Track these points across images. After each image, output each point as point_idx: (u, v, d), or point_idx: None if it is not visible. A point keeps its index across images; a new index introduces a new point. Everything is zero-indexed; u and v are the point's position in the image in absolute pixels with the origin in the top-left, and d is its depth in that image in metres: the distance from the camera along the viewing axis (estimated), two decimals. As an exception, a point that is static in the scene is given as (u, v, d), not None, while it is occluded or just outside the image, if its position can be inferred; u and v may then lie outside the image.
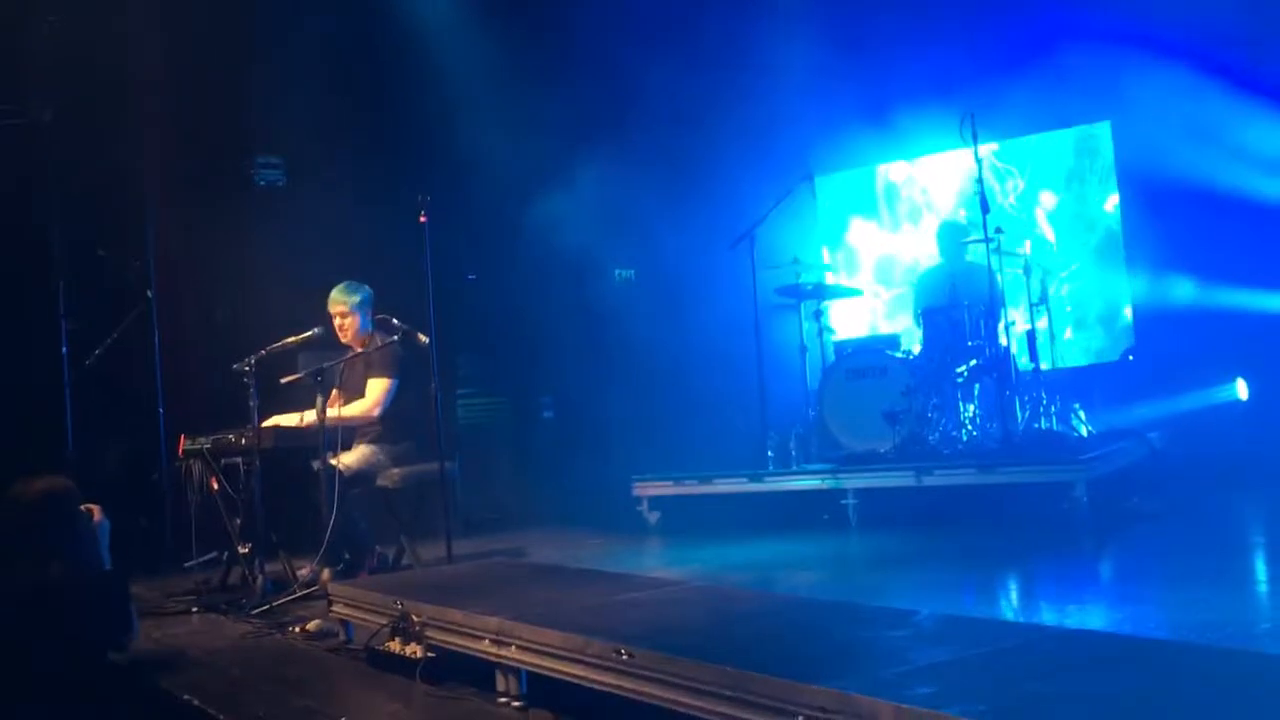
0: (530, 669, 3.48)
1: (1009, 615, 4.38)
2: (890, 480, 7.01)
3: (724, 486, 7.58)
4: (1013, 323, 7.68)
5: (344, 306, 6.35)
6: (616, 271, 9.64)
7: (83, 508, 4.09)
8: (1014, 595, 5.03)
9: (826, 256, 10.01)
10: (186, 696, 3.94)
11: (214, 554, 6.49)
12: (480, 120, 8.81)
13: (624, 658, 3.09)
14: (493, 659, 3.59)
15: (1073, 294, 8.98)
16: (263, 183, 8.72)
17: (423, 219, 5.90)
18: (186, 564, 6.56)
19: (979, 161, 7.36)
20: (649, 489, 7.82)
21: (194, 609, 5.66)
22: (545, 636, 3.40)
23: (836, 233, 10.14)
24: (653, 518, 7.75)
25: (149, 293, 7.53)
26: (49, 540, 3.83)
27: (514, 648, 3.52)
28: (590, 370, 9.13)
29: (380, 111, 8.96)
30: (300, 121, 8.39)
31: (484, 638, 3.64)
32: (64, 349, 7.36)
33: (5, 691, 3.66)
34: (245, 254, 8.28)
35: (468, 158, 8.78)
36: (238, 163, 8.62)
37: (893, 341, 8.12)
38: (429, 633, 3.92)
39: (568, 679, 3.29)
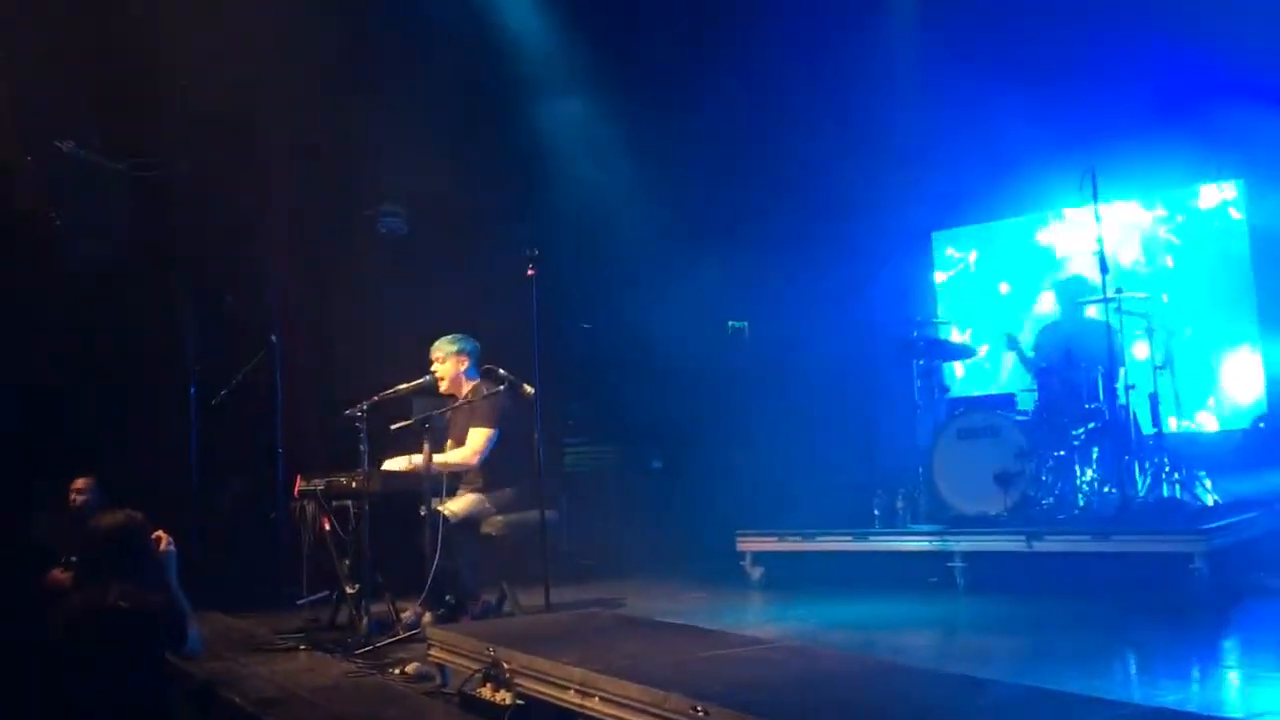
0: (610, 721, 3.57)
1: (1109, 690, 4.32)
2: (1000, 544, 6.92)
3: (828, 544, 7.57)
4: (1133, 385, 7.55)
5: (439, 354, 6.57)
6: (729, 323, 9.72)
7: (153, 536, 4.35)
8: (1118, 669, 4.96)
9: (942, 314, 9.93)
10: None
11: (325, 593, 6.65)
12: (602, 170, 9.05)
13: (700, 714, 3.17)
14: (576, 709, 3.70)
15: (1199, 356, 8.78)
16: (384, 230, 9.00)
17: (530, 272, 6.09)
18: (299, 601, 6.69)
19: (1099, 219, 7.30)
20: (753, 543, 7.83)
21: (302, 646, 5.87)
22: (626, 689, 3.49)
23: (956, 289, 10.08)
24: (755, 573, 7.75)
25: (272, 337, 7.78)
26: (115, 568, 4.12)
27: (597, 699, 3.62)
28: (700, 421, 9.22)
29: (501, 159, 9.18)
30: (423, 170, 8.61)
31: (569, 688, 3.75)
32: (192, 390, 7.72)
33: (64, 707, 3.94)
34: (366, 301, 8.55)
35: (588, 207, 9.00)
36: (361, 211, 8.91)
37: (1007, 401, 8.03)
38: (518, 680, 4.04)
39: (647, 733, 3.38)
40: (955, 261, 10.09)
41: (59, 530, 6.65)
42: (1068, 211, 9.22)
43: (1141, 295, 7.87)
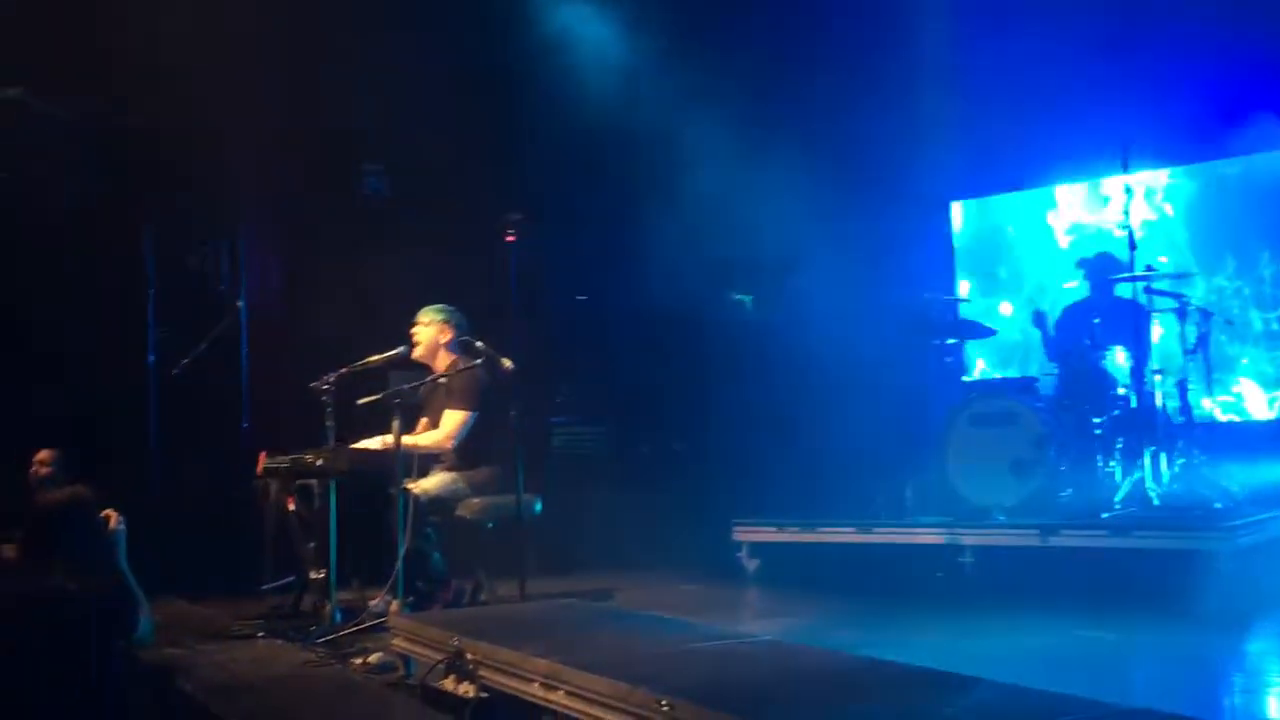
0: (576, 715, 3.60)
1: (1119, 697, 4.35)
2: (1013, 538, 6.96)
3: (830, 535, 7.60)
4: (1161, 370, 7.56)
5: (424, 319, 6.64)
6: (733, 296, 9.79)
7: (102, 514, 4.38)
8: (1130, 673, 5.00)
9: (964, 290, 9.95)
10: (233, 722, 4.21)
11: (289, 578, 6.70)
12: (598, 131, 8.99)
13: (664, 709, 3.22)
14: (540, 703, 3.75)
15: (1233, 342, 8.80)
16: (366, 191, 9.06)
17: (510, 238, 6.17)
18: (262, 587, 6.81)
19: (1129, 191, 7.31)
20: (750, 534, 7.88)
21: (260, 634, 5.94)
22: (593, 683, 3.53)
23: (976, 264, 10.09)
24: (752, 565, 7.80)
25: (239, 303, 7.90)
26: (60, 546, 4.14)
27: (562, 692, 3.66)
28: (699, 402, 9.28)
29: (491, 119, 9.12)
30: (405, 127, 8.66)
31: (534, 680, 3.80)
32: (151, 356, 7.78)
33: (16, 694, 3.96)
34: (345, 267, 8.53)
35: (584, 171, 9.03)
36: (340, 170, 8.96)
37: (1026, 384, 8.03)
38: (482, 672, 4.10)
39: (612, 729, 3.43)
40: (980, 231, 10.09)
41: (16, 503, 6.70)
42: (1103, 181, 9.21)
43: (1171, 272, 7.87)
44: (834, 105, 8.57)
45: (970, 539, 7.05)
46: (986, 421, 7.59)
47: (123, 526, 4.47)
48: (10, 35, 7.39)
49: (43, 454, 7.10)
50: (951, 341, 8.41)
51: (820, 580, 7.28)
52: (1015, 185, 9.83)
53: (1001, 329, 9.28)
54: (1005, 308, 9.54)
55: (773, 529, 7.84)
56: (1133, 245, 7.30)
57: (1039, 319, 8.04)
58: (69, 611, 4.06)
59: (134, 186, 8.11)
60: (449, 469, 6.45)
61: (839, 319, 8.56)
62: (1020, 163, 9.25)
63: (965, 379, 8.55)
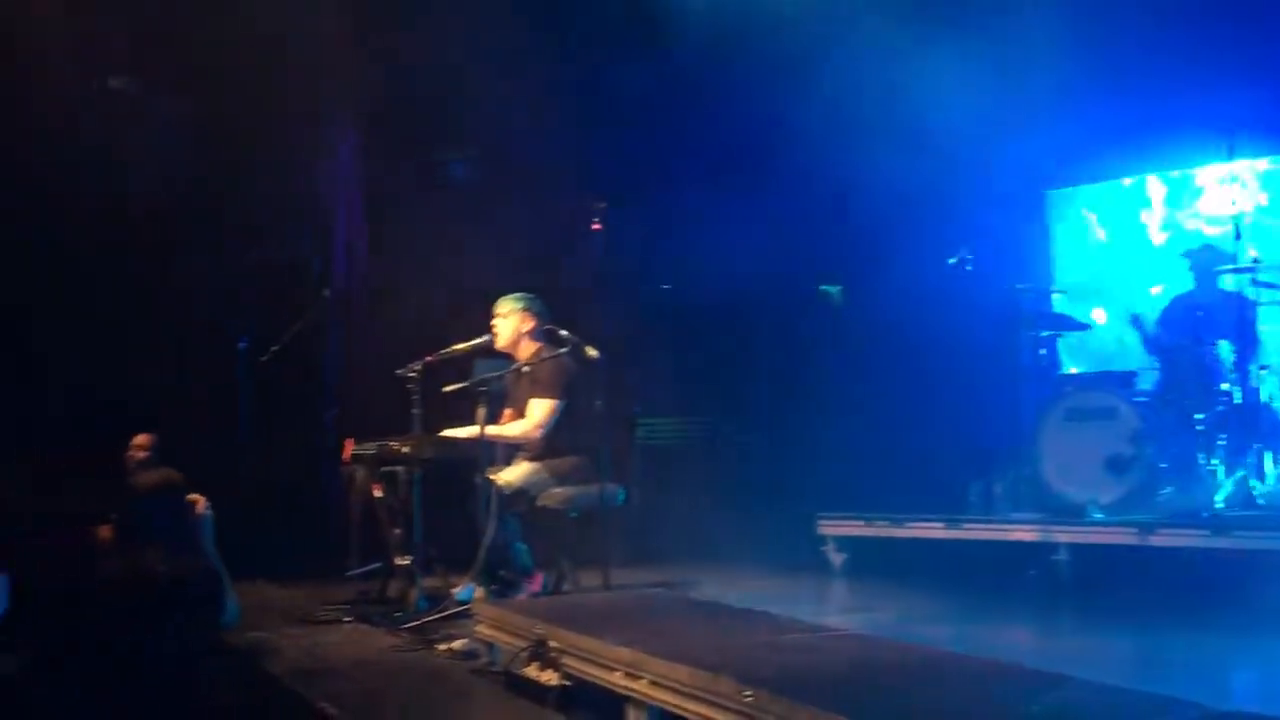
0: (658, 704, 3.70)
1: (1219, 704, 4.33)
2: (1110, 537, 6.92)
3: (919, 530, 7.62)
4: (1267, 365, 7.47)
5: (504, 309, 6.68)
6: (821, 288, 9.74)
7: (189, 499, 4.55)
8: (1231, 678, 4.97)
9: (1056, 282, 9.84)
10: (323, 705, 4.36)
11: (375, 564, 6.81)
12: (689, 116, 9.04)
13: (748, 699, 3.31)
14: (623, 691, 3.85)
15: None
16: (453, 178, 9.17)
17: (596, 226, 6.15)
18: (349, 573, 6.89)
19: (1234, 180, 7.24)
20: (836, 527, 7.91)
21: (346, 619, 6.13)
22: (675, 672, 3.63)
23: (1075, 255, 10.01)
24: (838, 559, 7.85)
25: (325, 292, 8.00)
26: (152, 530, 4.33)
27: (645, 681, 3.77)
28: (786, 393, 9.31)
29: (579, 106, 9.07)
30: (494, 114, 8.70)
31: (616, 669, 3.90)
32: (242, 344, 7.93)
33: (107, 675, 4.11)
34: (432, 253, 8.64)
35: (673, 157, 9.02)
36: (426, 157, 9.08)
37: (1125, 379, 7.97)
38: (565, 660, 4.21)
39: (693, 719, 3.52)
40: (1074, 223, 9.99)
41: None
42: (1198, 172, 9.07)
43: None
44: (928, 90, 8.50)
45: (1064, 536, 7.02)
46: (1083, 416, 7.55)
47: (209, 511, 4.66)
48: (107, 26, 7.67)
49: (139, 438, 7.31)
50: (1046, 334, 8.34)
51: (908, 576, 7.30)
52: (1114, 174, 9.67)
53: (1095, 334, 9.19)
54: (1098, 314, 9.41)
55: (860, 523, 7.87)
56: (1238, 235, 7.21)
57: (1136, 320, 7.97)
58: (159, 593, 4.23)
59: (223, 173, 8.29)
60: (532, 458, 6.52)
61: (929, 310, 8.52)
62: (1119, 150, 9.09)
63: (1059, 373, 8.43)
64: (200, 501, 4.62)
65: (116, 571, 4.30)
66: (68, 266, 7.93)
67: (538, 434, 6.48)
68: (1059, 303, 9.19)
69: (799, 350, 9.46)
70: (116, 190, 7.98)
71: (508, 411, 6.70)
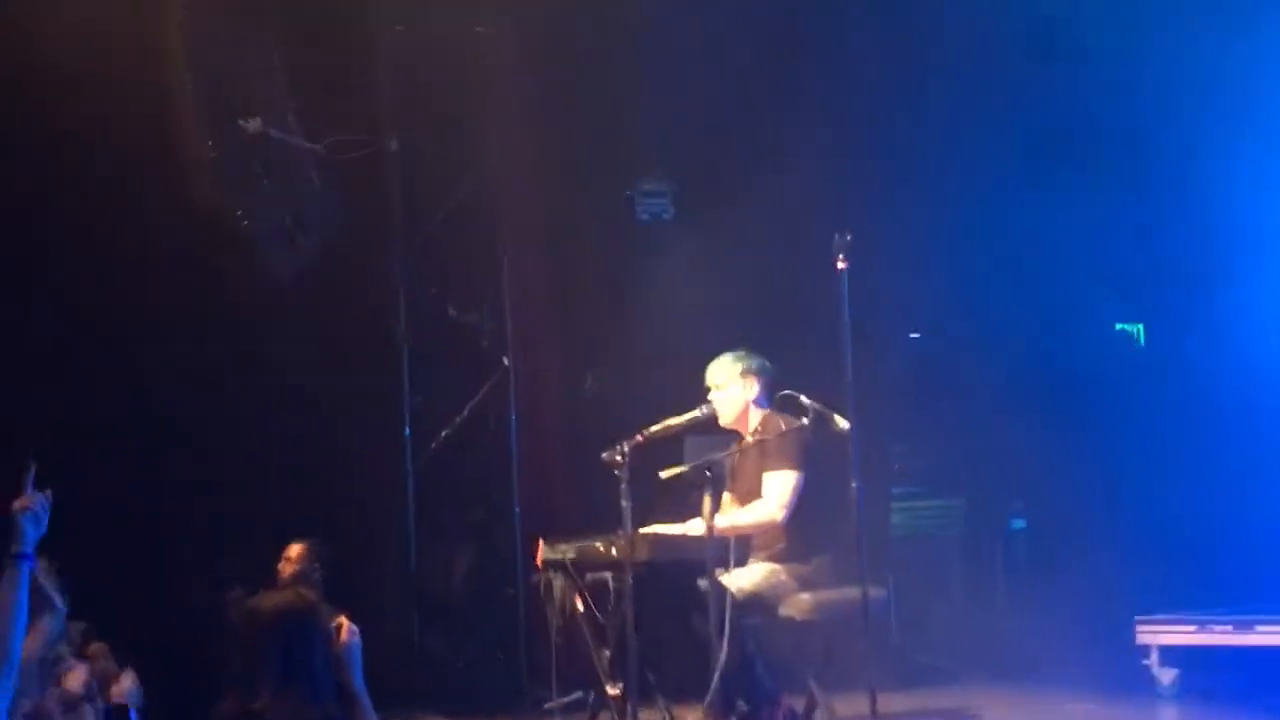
0: None
1: None
2: None
3: (1273, 636, 6.86)
4: None
5: (718, 377, 6.37)
6: (1116, 326, 9.37)
7: (334, 623, 4.20)
8: None
9: None
10: None
11: (578, 694, 6.63)
12: (927, 136, 8.79)
13: None
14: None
15: None
16: (645, 216, 8.93)
17: (841, 264, 5.82)
18: (546, 705, 6.71)
19: None
20: (1160, 634, 7.25)
21: (546, 763, 5.96)
22: None
23: None
24: (1166, 676, 7.15)
25: (505, 359, 7.92)
26: (269, 666, 3.89)
27: None
28: (1076, 463, 8.64)
29: (794, 129, 8.83)
30: (692, 144, 8.59)
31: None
32: (407, 430, 7.86)
33: None
34: (622, 309, 8.52)
35: (914, 182, 8.76)
36: (614, 194, 8.87)
37: None
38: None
39: None
40: None
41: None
42: None
43: None
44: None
45: None
46: None
47: (357, 638, 4.22)
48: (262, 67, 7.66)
49: (294, 548, 7.08)
50: None
51: (1264, 697, 6.63)
52: None
53: None
54: None
55: (1192, 628, 7.21)
56: None
57: None
58: None
59: (384, 226, 8.31)
60: (771, 557, 6.13)
61: (1266, 352, 8.13)
62: None
63: None
64: (345, 626, 4.20)
65: None
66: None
67: (781, 515, 6.07)
68: None
69: (1091, 409, 8.91)
70: (263, 249, 7.87)
71: (727, 498, 6.29)
